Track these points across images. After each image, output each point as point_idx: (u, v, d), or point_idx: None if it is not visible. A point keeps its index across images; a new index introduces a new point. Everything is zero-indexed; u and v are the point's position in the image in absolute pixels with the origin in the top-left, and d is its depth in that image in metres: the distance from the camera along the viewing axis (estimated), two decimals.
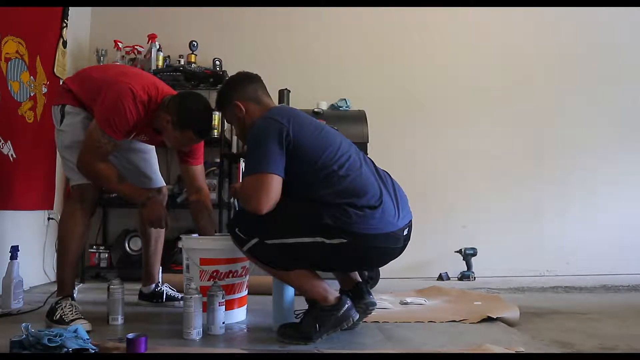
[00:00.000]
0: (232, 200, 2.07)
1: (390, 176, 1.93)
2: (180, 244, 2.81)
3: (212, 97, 3.69)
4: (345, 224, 1.71)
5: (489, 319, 2.11)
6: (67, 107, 2.15)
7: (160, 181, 2.50)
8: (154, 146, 2.49)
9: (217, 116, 3.51)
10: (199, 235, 2.33)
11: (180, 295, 2.44)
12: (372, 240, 1.75)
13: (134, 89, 2.04)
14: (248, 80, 2.00)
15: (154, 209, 2.15)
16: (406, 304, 2.56)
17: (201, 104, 2.13)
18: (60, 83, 2.91)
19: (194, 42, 3.66)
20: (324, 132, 1.87)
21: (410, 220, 1.87)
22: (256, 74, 2.04)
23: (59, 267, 2.16)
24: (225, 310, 1.92)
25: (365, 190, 1.77)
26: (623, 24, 4.00)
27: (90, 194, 2.14)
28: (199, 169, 2.39)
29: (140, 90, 2.06)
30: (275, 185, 1.73)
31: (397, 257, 1.87)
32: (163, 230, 2.43)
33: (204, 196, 2.37)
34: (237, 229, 1.82)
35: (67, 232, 2.12)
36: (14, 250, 2.41)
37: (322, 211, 1.73)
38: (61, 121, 2.15)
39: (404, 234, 1.83)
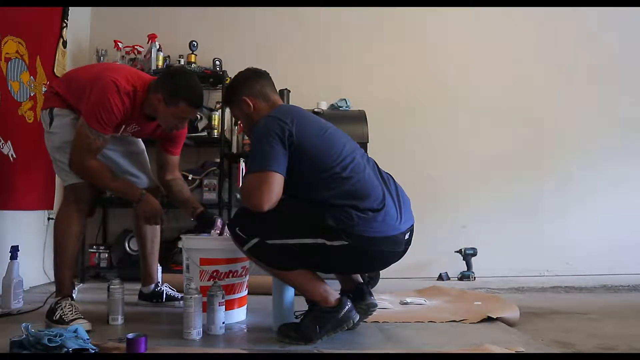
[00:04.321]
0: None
1: (393, 179, 1.91)
2: (180, 244, 2.82)
3: (212, 97, 3.73)
4: (347, 226, 1.70)
5: (489, 319, 2.11)
6: (55, 110, 2.15)
7: (152, 180, 2.49)
8: (144, 148, 2.49)
9: (216, 116, 3.51)
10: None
11: (180, 295, 2.44)
12: (374, 243, 1.74)
13: (117, 81, 2.05)
14: (256, 77, 1.99)
15: (149, 205, 2.16)
16: (406, 304, 2.56)
17: (188, 76, 2.17)
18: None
19: (194, 42, 3.66)
20: (328, 133, 1.85)
21: (412, 225, 1.86)
22: (265, 71, 2.03)
23: (56, 267, 2.15)
24: (225, 310, 1.92)
25: (368, 193, 1.76)
26: (624, 24, 3.99)
27: (85, 193, 2.14)
28: (176, 159, 2.46)
29: (123, 82, 2.06)
30: (277, 183, 1.72)
31: (397, 260, 1.86)
32: (159, 229, 2.45)
33: (178, 176, 2.46)
34: (237, 228, 1.81)
35: (63, 232, 2.12)
36: (14, 250, 2.41)
37: (324, 212, 1.72)
38: (50, 124, 2.16)
39: (406, 238, 1.83)
